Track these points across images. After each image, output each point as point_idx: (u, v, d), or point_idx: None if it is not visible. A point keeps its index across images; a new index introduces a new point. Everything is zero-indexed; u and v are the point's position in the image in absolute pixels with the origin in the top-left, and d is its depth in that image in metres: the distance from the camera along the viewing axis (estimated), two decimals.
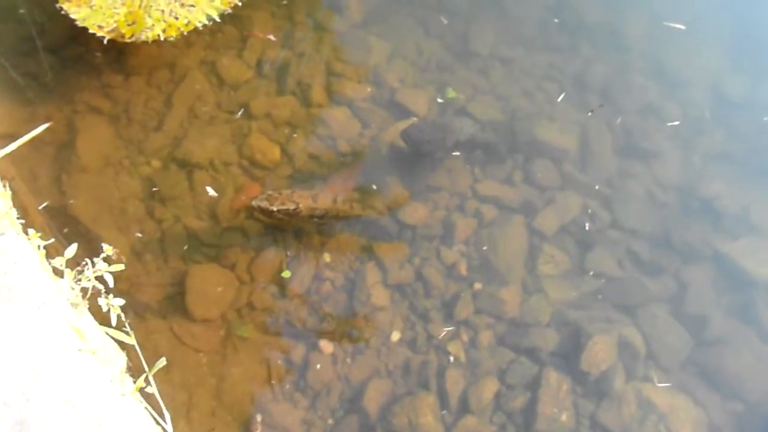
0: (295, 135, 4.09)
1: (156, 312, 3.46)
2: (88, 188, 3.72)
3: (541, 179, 4.01)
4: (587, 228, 3.82)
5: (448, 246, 3.85)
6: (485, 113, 4.18)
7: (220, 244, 3.75)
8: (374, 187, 3.93)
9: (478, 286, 3.73)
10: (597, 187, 3.94)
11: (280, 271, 3.71)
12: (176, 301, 3.50)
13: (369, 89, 4.24)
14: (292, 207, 3.62)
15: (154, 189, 3.84)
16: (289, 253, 3.75)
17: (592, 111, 3.99)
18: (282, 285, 3.65)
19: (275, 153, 4.06)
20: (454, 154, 4.01)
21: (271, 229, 3.80)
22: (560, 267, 3.74)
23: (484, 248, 3.78)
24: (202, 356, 3.40)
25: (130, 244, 3.63)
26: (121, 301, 2.70)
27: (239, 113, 4.12)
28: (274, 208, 3.58)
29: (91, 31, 3.68)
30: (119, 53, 3.98)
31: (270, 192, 3.64)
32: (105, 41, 3.74)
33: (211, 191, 3.85)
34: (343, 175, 3.96)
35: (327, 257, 3.79)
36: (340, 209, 3.77)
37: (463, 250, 3.86)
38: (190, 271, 3.60)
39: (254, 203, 3.55)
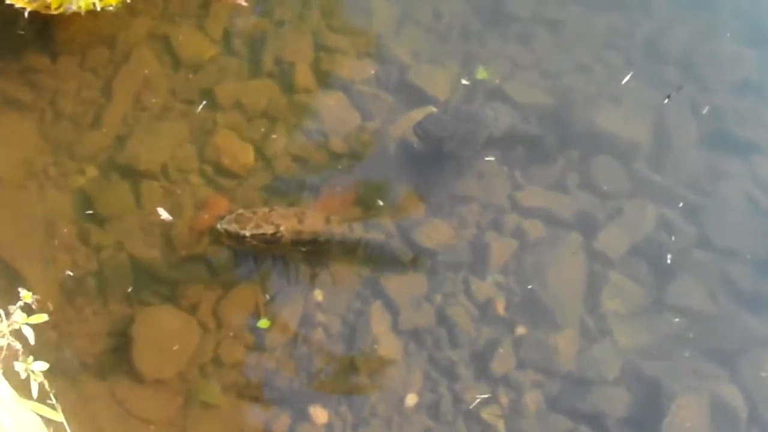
0: (274, 133, 4.13)
1: (93, 371, 3.45)
2: (3, 206, 3.73)
3: (603, 183, 4.03)
4: (667, 248, 3.81)
5: (481, 277, 3.86)
6: (527, 97, 4.21)
7: (176, 280, 3.74)
8: (380, 201, 3.96)
9: (521, 330, 3.73)
10: (679, 193, 3.94)
11: (257, 314, 3.70)
12: (119, 356, 3.50)
13: (371, 68, 4.29)
14: (270, 230, 3.61)
15: (89, 212, 3.85)
16: (268, 293, 3.73)
17: (669, 96, 4.02)
18: (259, 333, 3.63)
19: (248, 156, 4.07)
20: (486, 154, 4.06)
21: (244, 259, 3.80)
22: (632, 302, 3.74)
23: (529, 279, 3.79)
24: (153, 430, 3.37)
25: (58, 281, 3.62)
26: (44, 365, 2.66)
27: (201, 104, 4.16)
28: (247, 233, 3.56)
29: (8, 1, 3.65)
30: (44, 28, 3.97)
31: (241, 211, 3.64)
32: (26, 14, 3.72)
33: (163, 213, 3.86)
34: (338, 186, 3.97)
35: (318, 295, 3.79)
36: (335, 231, 3.77)
37: (501, 282, 3.87)
38: (137, 316, 3.60)
39: (221, 226, 3.55)
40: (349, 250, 3.85)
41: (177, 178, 4.04)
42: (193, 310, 3.70)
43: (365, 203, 4.01)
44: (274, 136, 4.15)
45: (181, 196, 3.99)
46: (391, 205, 4.00)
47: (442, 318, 3.76)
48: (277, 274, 3.82)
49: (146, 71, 4.17)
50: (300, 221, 3.69)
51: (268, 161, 4.11)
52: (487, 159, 4.10)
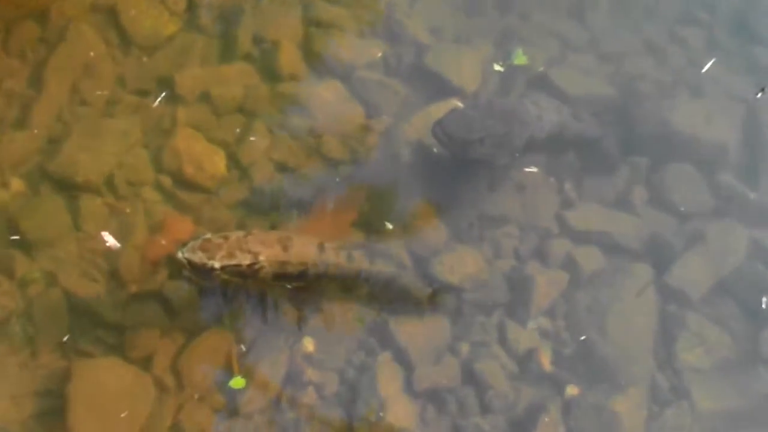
0: (251, 133, 4.15)
1: None
2: None
3: (679, 200, 4.03)
4: (763, 285, 3.83)
5: (520, 321, 3.87)
6: (580, 87, 4.22)
7: (125, 324, 3.76)
8: (389, 222, 3.97)
9: (572, 391, 3.71)
10: None
11: (229, 370, 3.69)
12: (51, 423, 3.51)
13: (378, 49, 4.32)
14: (246, 261, 3.54)
15: (14, 237, 3.85)
16: (243, 342, 3.73)
17: (764, 89, 4.16)
18: (232, 394, 3.62)
19: (218, 164, 4.10)
20: (527, 162, 4.05)
21: (213, 297, 3.83)
22: (716, 354, 3.73)
23: (583, 324, 3.81)
24: None
25: None
26: None
27: (158, 96, 4.17)
28: (217, 264, 3.50)
29: None
30: None
31: (209, 235, 3.58)
32: None
33: (109, 239, 3.89)
34: (335, 203, 4.02)
35: (309, 345, 3.78)
36: (330, 262, 3.73)
37: (546, 329, 3.88)
38: (75, 371, 3.59)
39: (183, 254, 3.49)
40: (349, 286, 3.85)
41: (126, 192, 4.04)
42: (146, 363, 3.68)
43: (370, 225, 4.00)
44: (252, 138, 4.17)
45: (132, 215, 3.99)
46: (404, 227, 4.00)
47: (470, 375, 3.73)
48: (256, 317, 3.82)
49: (90, 54, 4.19)
50: (285, 249, 3.64)
51: (245, 170, 4.10)
52: (528, 169, 4.10)
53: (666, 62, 4.34)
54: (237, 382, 3.71)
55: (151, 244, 3.95)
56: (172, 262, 3.78)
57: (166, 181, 4.12)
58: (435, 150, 4.07)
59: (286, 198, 4.09)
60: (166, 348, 3.76)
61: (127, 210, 4.03)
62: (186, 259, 3.50)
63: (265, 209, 4.07)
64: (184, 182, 4.10)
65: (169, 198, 4.08)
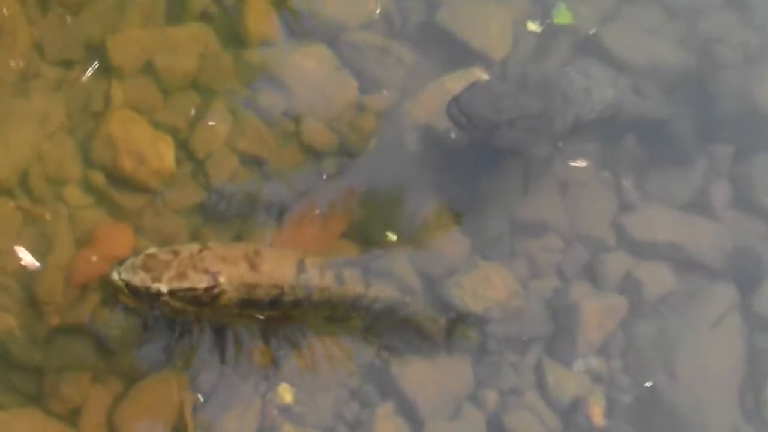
0: (209, 116, 4.24)
1: None
2: None
3: None
4: None
5: (564, 361, 3.97)
6: (642, 52, 4.30)
7: (45, 366, 3.84)
8: (391, 232, 4.04)
9: None
10: None
11: (181, 428, 3.79)
12: None
13: (376, 4, 4.38)
14: (203, 283, 3.64)
15: None
16: (199, 390, 3.82)
17: None
18: None
19: (165, 155, 4.16)
20: (573, 151, 4.15)
21: (159, 331, 3.90)
22: None
23: (647, 365, 3.89)
24: None
25: None
26: None
27: (88, 68, 4.23)
28: (164, 287, 3.59)
29: None
30: None
31: (153, 250, 3.68)
32: None
33: (25, 255, 3.95)
34: (319, 206, 4.07)
35: (286, 394, 3.88)
36: (313, 285, 3.81)
37: (598, 371, 3.98)
38: None
39: (120, 275, 3.57)
40: (339, 316, 3.95)
41: (46, 193, 4.13)
42: (73, 417, 3.78)
43: (366, 236, 4.08)
44: (210, 122, 4.25)
45: (53, 224, 4.06)
46: (411, 239, 4.08)
47: (497, 427, 3.85)
48: (216, 357, 3.90)
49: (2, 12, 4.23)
50: (253, 267, 3.72)
51: (200, 164, 4.19)
52: (575, 163, 4.19)
53: (753, 19, 4.42)
54: None
55: (79, 262, 4.03)
56: (105, 284, 3.84)
57: (98, 178, 4.19)
58: (452, 135, 4.16)
59: (255, 201, 4.18)
60: (99, 398, 3.85)
61: (47, 217, 4.09)
62: (123, 281, 3.57)
63: (226, 216, 4.15)
64: (120, 180, 4.16)
65: (102, 200, 4.16)
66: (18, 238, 4.06)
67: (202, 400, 3.87)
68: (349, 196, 4.19)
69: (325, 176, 4.24)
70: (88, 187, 4.21)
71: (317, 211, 4.14)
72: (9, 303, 3.99)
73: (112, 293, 3.82)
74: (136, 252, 3.67)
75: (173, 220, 4.16)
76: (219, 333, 3.96)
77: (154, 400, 3.89)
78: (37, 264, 4.02)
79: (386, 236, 4.14)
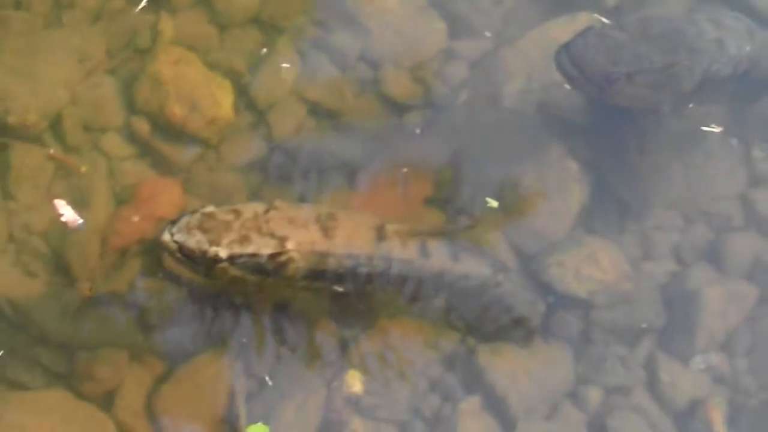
0: (274, 58, 4.21)
1: None
2: None
3: None
4: None
5: (680, 356, 3.88)
6: None
7: (75, 342, 3.80)
8: (491, 200, 3.98)
9: None
10: None
11: (234, 416, 3.70)
12: None
13: None
14: (268, 249, 3.52)
15: None
16: (256, 374, 3.77)
17: None
18: None
19: (222, 102, 4.11)
20: (702, 115, 4.05)
21: (211, 305, 3.86)
22: None
23: None
24: None
25: None
26: None
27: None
28: (223, 253, 3.47)
29: None
30: None
31: (211, 209, 3.56)
32: None
33: (66, 210, 3.90)
34: (400, 167, 4.03)
35: (356, 383, 3.79)
36: (393, 256, 3.69)
37: (721, 369, 3.87)
38: (4, 414, 3.64)
39: (171, 235, 3.47)
40: (421, 294, 3.83)
41: (81, 142, 4.08)
42: (106, 402, 3.72)
43: (455, 203, 4.04)
44: (277, 64, 4.16)
45: (89, 177, 4.03)
46: (506, 208, 4.01)
47: (600, 430, 3.76)
48: (276, 337, 3.84)
49: None
50: (326, 233, 3.61)
51: (262, 114, 4.14)
52: (706, 127, 4.08)
53: None
54: (256, 431, 3.67)
55: (118, 222, 3.97)
56: (149, 248, 3.89)
57: (142, 126, 4.12)
58: (559, 90, 4.03)
59: (324, 158, 4.12)
60: (138, 380, 3.79)
61: (83, 169, 4.05)
62: (176, 243, 3.46)
63: (290, 174, 4.11)
64: (168, 128, 4.12)
65: (146, 152, 4.12)
66: (47, 194, 4.02)
67: (257, 386, 3.79)
68: (434, 156, 4.12)
69: (406, 132, 4.14)
70: (131, 136, 4.15)
71: (398, 172, 4.09)
72: (36, 267, 3.94)
73: (157, 258, 3.88)
74: (191, 210, 3.56)
75: (228, 177, 4.10)
76: (280, 309, 3.91)
77: (201, 384, 3.81)
78: (80, 220, 3.96)
79: (486, 202, 4.06)
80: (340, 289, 3.75)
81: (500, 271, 3.92)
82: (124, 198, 4.06)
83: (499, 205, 4.10)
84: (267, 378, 3.81)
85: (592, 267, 3.98)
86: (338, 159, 4.14)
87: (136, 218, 3.99)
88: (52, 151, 4.09)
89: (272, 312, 3.93)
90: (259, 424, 3.72)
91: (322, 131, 4.18)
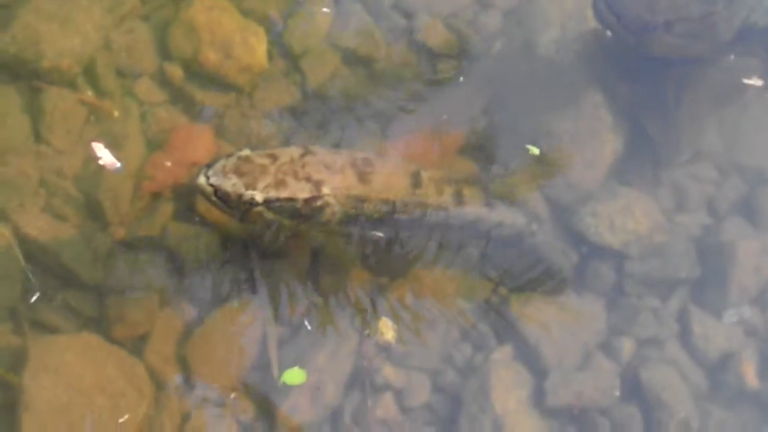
0: (309, 5, 4.28)
1: None
2: None
3: None
4: None
5: (713, 309, 3.90)
6: None
7: (107, 286, 3.81)
8: (531, 146, 3.93)
9: None
10: None
11: (265, 363, 3.70)
12: None
13: None
14: (304, 194, 3.56)
15: None
16: (286, 324, 3.78)
17: None
18: (277, 394, 3.68)
19: (256, 48, 4.11)
20: (743, 65, 4.05)
21: (244, 249, 3.87)
22: None
23: None
24: None
25: None
26: None
27: None
28: (258, 196, 3.51)
29: None
30: None
31: (247, 152, 3.59)
32: None
33: (104, 153, 3.92)
34: (435, 115, 3.97)
35: (388, 331, 3.82)
36: (428, 202, 3.73)
37: (754, 323, 3.90)
38: (32, 352, 3.64)
39: (207, 179, 3.49)
40: (453, 242, 3.86)
41: (113, 86, 4.07)
42: (138, 346, 3.76)
43: (489, 153, 4.02)
44: (325, 9, 4.15)
45: (122, 122, 4.01)
46: (542, 159, 4.01)
47: (634, 388, 3.78)
48: (307, 283, 3.86)
49: None
50: (362, 177, 3.64)
51: (296, 61, 4.14)
52: (747, 80, 4.06)
53: None
54: (293, 376, 3.71)
55: (151, 167, 3.97)
56: (183, 193, 3.88)
57: (175, 71, 4.13)
58: (594, 38, 3.99)
59: (358, 106, 4.11)
60: (169, 325, 3.81)
61: (115, 114, 4.04)
62: (212, 186, 3.47)
63: (324, 122, 4.09)
64: (202, 74, 4.12)
65: (179, 98, 4.11)
66: (80, 138, 4.00)
67: (308, 326, 3.77)
68: (469, 105, 4.11)
69: (440, 78, 4.11)
70: (164, 81, 4.14)
71: (432, 120, 4.06)
72: (67, 211, 3.93)
73: (190, 203, 3.88)
74: (227, 154, 3.57)
75: (262, 123, 4.09)
76: (313, 255, 3.91)
77: (232, 331, 3.83)
78: (118, 164, 3.96)
79: (527, 150, 4.05)
80: (379, 233, 3.76)
81: (534, 221, 3.94)
82: (156, 143, 4.05)
83: (535, 155, 4.10)
84: (306, 322, 3.82)
85: (626, 218, 3.98)
86: (371, 108, 4.12)
87: (168, 163, 3.99)
88: (81, 96, 4.08)
89: (305, 258, 3.91)
90: (296, 368, 3.75)
91: (356, 79, 4.17)
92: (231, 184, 3.50)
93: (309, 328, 3.83)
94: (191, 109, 4.13)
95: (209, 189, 3.50)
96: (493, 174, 4.05)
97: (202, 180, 3.49)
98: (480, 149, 4.09)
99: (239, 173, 3.52)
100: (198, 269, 3.91)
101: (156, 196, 3.97)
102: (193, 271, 3.91)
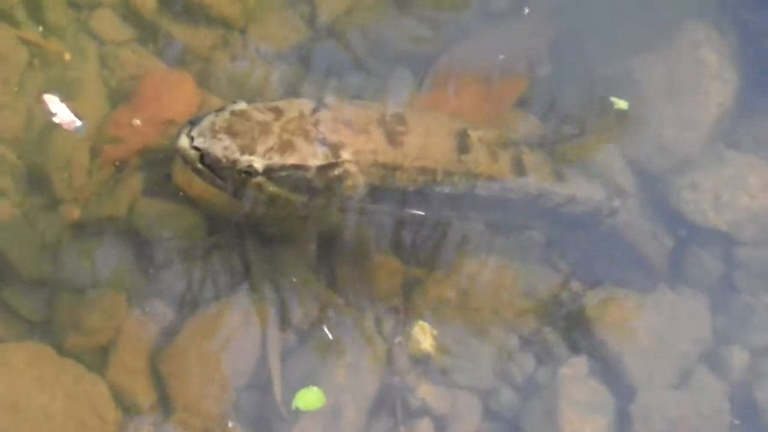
0: None
1: None
2: None
3: None
4: None
5: None
6: None
7: (58, 283, 3.85)
8: (617, 99, 3.99)
9: None
10: None
11: (264, 379, 3.74)
12: None
13: None
14: (317, 161, 3.51)
15: None
16: (294, 330, 3.77)
17: None
18: (275, 424, 3.72)
19: None
20: None
21: (237, 233, 3.90)
22: None
23: None
24: None
25: None
26: None
27: None
28: (257, 164, 3.46)
29: None
30: None
31: (243, 105, 3.56)
32: None
33: (60, 109, 3.91)
34: (483, 60, 4.02)
35: (425, 338, 3.80)
36: (479, 171, 3.70)
37: None
38: None
39: (189, 142, 3.45)
40: (512, 222, 3.90)
41: (64, 20, 4.13)
42: (98, 359, 3.77)
43: (557, 106, 4.01)
44: None
45: (76, 67, 4.09)
46: (626, 114, 4.02)
47: (748, 410, 3.76)
48: (320, 278, 3.88)
49: None
50: (392, 139, 3.59)
51: None
52: None
53: None
54: (308, 399, 3.68)
55: (114, 126, 4.00)
56: (156, 160, 3.93)
57: (145, 1, 4.16)
58: None
59: (385, 46, 4.14)
60: (139, 331, 3.82)
61: (66, 56, 4.08)
62: (198, 149, 3.43)
63: (340, 67, 4.09)
64: (180, 6, 4.18)
65: (150, 36, 4.16)
66: (21, 90, 4.05)
67: (329, 334, 3.78)
68: (532, 43, 4.12)
69: (527, 9, 4.15)
70: (130, 13, 4.19)
71: (483, 64, 4.07)
72: (4, 184, 3.95)
73: (166, 173, 3.92)
74: (216, 108, 3.52)
75: (259, 69, 4.11)
76: (328, 240, 3.91)
77: (221, 338, 3.82)
78: (79, 123, 3.96)
79: (612, 103, 4.03)
80: (416, 212, 3.72)
81: (616, 195, 3.90)
82: (121, 95, 4.09)
83: (622, 109, 4.09)
84: (323, 328, 3.80)
85: (737, 191, 3.97)
86: (404, 47, 4.14)
87: (137, 121, 3.99)
88: (21, 32, 4.12)
89: (318, 245, 3.94)
90: (312, 388, 3.72)
91: (382, 9, 4.20)
92: (222, 148, 3.45)
93: (329, 335, 3.82)
94: (166, 49, 4.19)
95: (193, 154, 3.46)
96: (563, 134, 4.02)
97: (183, 142, 3.45)
98: (546, 101, 4.05)
99: (233, 133, 3.48)
100: (176, 259, 3.94)
101: (121, 164, 3.99)
102: (170, 262, 3.93)
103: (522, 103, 4.09)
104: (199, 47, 4.18)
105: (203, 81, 4.10)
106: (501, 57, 4.13)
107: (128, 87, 4.10)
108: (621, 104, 4.08)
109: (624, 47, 4.18)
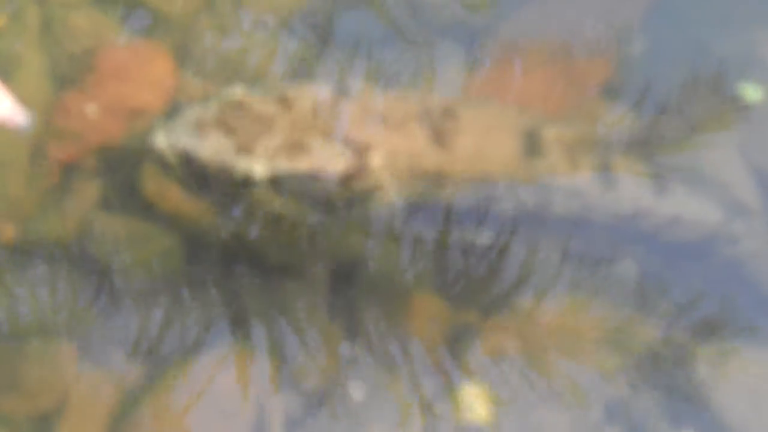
0: None
1: None
2: None
3: None
4: None
5: None
6: None
7: None
8: (749, 85, 4.03)
9: None
10: None
11: None
12: None
13: None
14: (337, 166, 3.54)
15: None
16: (302, 396, 3.77)
17: None
18: None
19: None
20: None
21: (226, 257, 3.89)
22: None
23: None
24: None
25: None
26: None
27: None
28: (258, 167, 3.51)
29: None
30: None
31: (238, 94, 3.63)
32: None
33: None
34: (560, 35, 4.10)
35: (479, 402, 3.79)
36: (553, 182, 3.69)
37: None
38: None
39: (164, 139, 3.54)
40: (597, 251, 3.87)
41: None
42: (41, 430, 3.77)
43: (658, 94, 3.98)
44: None
45: (11, 36, 4.16)
46: (747, 106, 4.03)
47: None
48: (336, 324, 3.86)
49: None
50: (440, 139, 3.60)
51: None
52: None
53: None
54: None
55: (61, 117, 4.00)
56: (117, 163, 3.94)
57: None
58: None
59: (431, 14, 4.17)
60: (94, 393, 3.81)
61: (0, 21, 4.09)
62: (179, 150, 3.51)
63: (369, 39, 4.11)
64: None
65: None
66: None
67: (355, 394, 3.73)
68: (620, 10, 4.18)
69: None
70: None
71: (559, 41, 4.10)
72: None
73: (133, 180, 3.94)
74: (204, 97, 3.69)
75: (255, 39, 4.14)
76: (348, 273, 3.86)
77: (203, 402, 3.80)
78: (24, 117, 3.93)
79: (740, 90, 4.03)
80: (473, 237, 3.74)
81: (737, 216, 3.84)
82: (71, 75, 4.07)
83: (755, 99, 4.08)
84: (346, 392, 3.73)
85: None
86: (454, 13, 4.13)
87: (92, 109, 3.97)
88: None
89: (335, 279, 3.88)
90: None
91: None
92: (212, 147, 3.51)
93: (351, 398, 3.77)
94: (133, 14, 4.20)
95: (172, 156, 3.51)
96: (664, 132, 3.88)
97: (160, 140, 3.50)
98: (642, 88, 3.94)
99: (226, 129, 3.52)
100: (145, 295, 3.88)
101: (70, 168, 3.96)
102: (135, 299, 3.88)
103: (610, 91, 4.03)
104: (176, 12, 4.18)
105: (181, 58, 4.10)
106: (581, 28, 4.02)
107: (81, 63, 4.09)
108: (753, 93, 4.00)
109: (745, 15, 4.20)
